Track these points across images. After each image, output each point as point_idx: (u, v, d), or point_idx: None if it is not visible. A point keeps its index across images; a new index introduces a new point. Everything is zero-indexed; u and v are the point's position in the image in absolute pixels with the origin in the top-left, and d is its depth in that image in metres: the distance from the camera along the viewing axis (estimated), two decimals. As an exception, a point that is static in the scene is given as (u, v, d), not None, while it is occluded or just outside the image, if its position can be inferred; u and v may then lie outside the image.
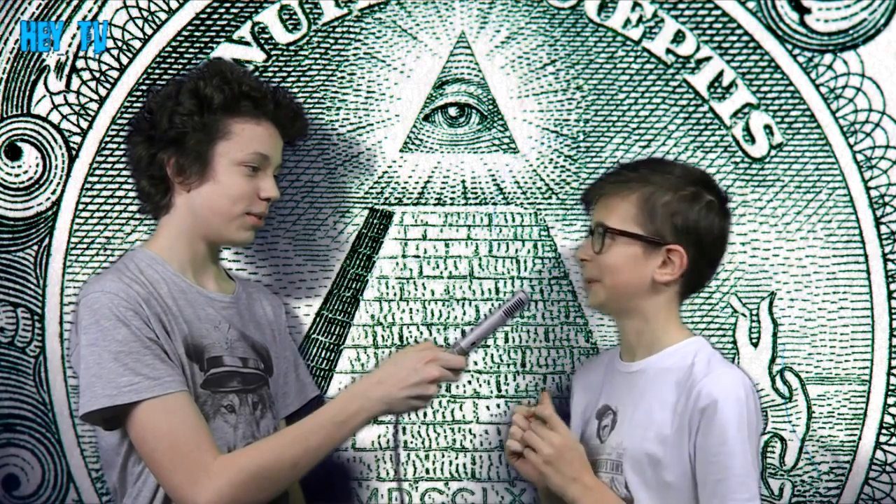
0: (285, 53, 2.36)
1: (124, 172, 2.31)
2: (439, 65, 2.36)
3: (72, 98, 2.34)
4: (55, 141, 2.34)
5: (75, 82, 2.34)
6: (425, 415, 2.33)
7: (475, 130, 2.37)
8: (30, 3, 2.34)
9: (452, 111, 2.37)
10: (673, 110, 2.35)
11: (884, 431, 2.32)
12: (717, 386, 1.85)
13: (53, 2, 2.34)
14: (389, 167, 2.37)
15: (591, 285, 1.98)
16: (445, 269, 2.36)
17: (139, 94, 2.33)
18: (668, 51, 2.35)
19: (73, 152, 2.34)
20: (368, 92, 2.36)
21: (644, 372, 1.95)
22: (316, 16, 2.36)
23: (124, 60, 2.34)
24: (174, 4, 2.35)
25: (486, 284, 2.35)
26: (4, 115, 2.34)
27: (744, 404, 1.84)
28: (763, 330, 2.33)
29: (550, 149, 2.36)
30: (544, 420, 1.92)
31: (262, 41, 2.36)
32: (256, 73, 2.30)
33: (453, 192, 2.37)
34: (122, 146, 2.26)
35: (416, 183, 2.37)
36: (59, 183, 2.34)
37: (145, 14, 2.34)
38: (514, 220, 2.36)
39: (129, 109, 2.33)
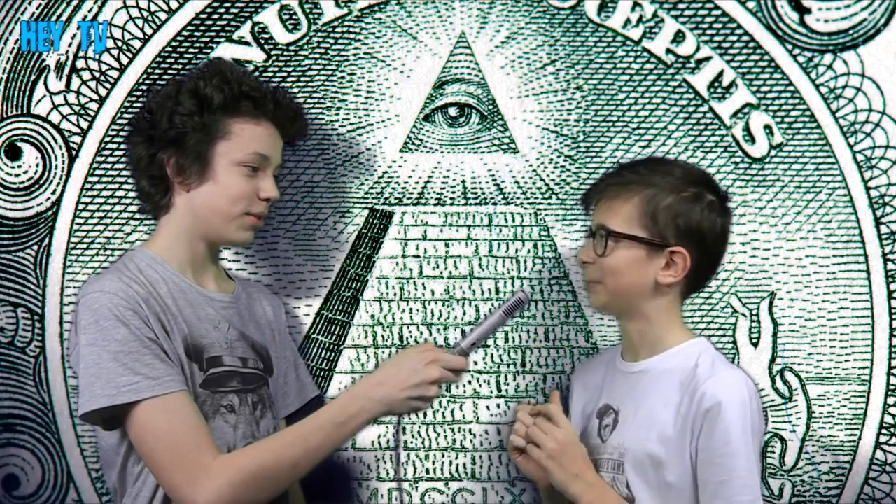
0: (285, 53, 2.36)
1: (124, 172, 2.31)
2: (439, 65, 2.36)
3: (72, 98, 2.34)
4: (55, 141, 2.34)
5: (75, 82, 2.34)
6: (425, 415, 2.32)
7: (475, 130, 2.37)
8: (30, 3, 2.33)
9: (452, 111, 2.37)
10: (673, 110, 2.35)
11: (884, 431, 2.32)
12: (721, 388, 1.85)
13: (53, 2, 2.33)
14: (389, 167, 2.37)
15: (593, 286, 1.98)
16: (445, 269, 2.36)
17: (139, 94, 2.32)
18: (668, 51, 2.34)
19: (73, 152, 2.34)
20: (368, 92, 2.36)
21: (647, 372, 1.95)
22: (316, 16, 2.36)
23: (124, 60, 2.34)
24: (174, 4, 2.35)
25: (486, 284, 2.35)
26: (4, 115, 2.33)
27: (747, 406, 1.84)
28: (763, 330, 2.33)
29: (550, 149, 2.36)
30: (549, 417, 1.92)
31: (262, 41, 2.36)
32: (256, 73, 2.30)
33: (453, 192, 2.37)
34: (122, 146, 2.26)
35: (416, 183, 2.37)
36: (59, 183, 2.34)
37: (145, 14, 2.34)
38: (514, 220, 2.36)
39: (129, 109, 2.32)
